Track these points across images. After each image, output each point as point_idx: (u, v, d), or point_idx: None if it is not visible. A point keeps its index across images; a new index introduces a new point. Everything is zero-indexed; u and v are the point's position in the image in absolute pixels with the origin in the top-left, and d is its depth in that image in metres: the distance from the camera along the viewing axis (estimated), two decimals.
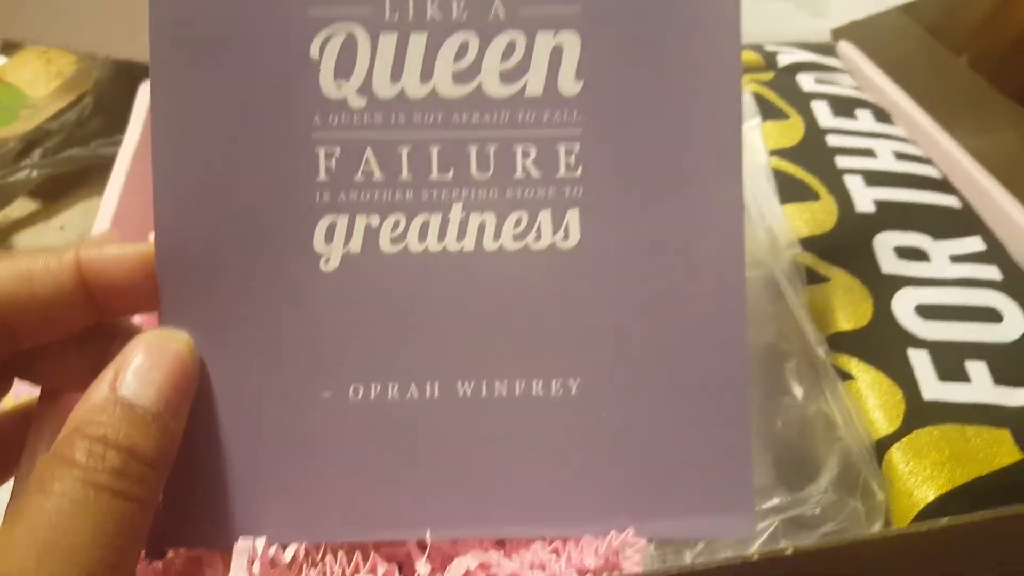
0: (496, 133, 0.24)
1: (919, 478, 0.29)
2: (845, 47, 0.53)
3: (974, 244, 0.37)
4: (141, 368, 0.21)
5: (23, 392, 0.26)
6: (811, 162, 0.40)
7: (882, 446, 0.31)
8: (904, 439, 0.30)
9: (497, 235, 0.24)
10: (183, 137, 0.23)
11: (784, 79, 0.47)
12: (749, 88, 0.46)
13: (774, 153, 0.41)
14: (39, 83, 0.61)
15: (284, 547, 0.24)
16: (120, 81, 0.58)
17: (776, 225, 0.37)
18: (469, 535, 0.25)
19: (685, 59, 0.24)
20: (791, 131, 0.43)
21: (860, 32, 0.54)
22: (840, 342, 0.34)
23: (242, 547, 0.23)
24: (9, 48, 0.63)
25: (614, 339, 0.24)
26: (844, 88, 0.47)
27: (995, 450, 0.29)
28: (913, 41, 0.73)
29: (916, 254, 0.36)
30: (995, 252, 0.37)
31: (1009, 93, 0.67)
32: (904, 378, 0.32)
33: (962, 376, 0.32)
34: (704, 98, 0.24)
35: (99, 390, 0.21)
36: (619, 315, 0.24)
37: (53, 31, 0.45)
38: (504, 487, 0.24)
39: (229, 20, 0.23)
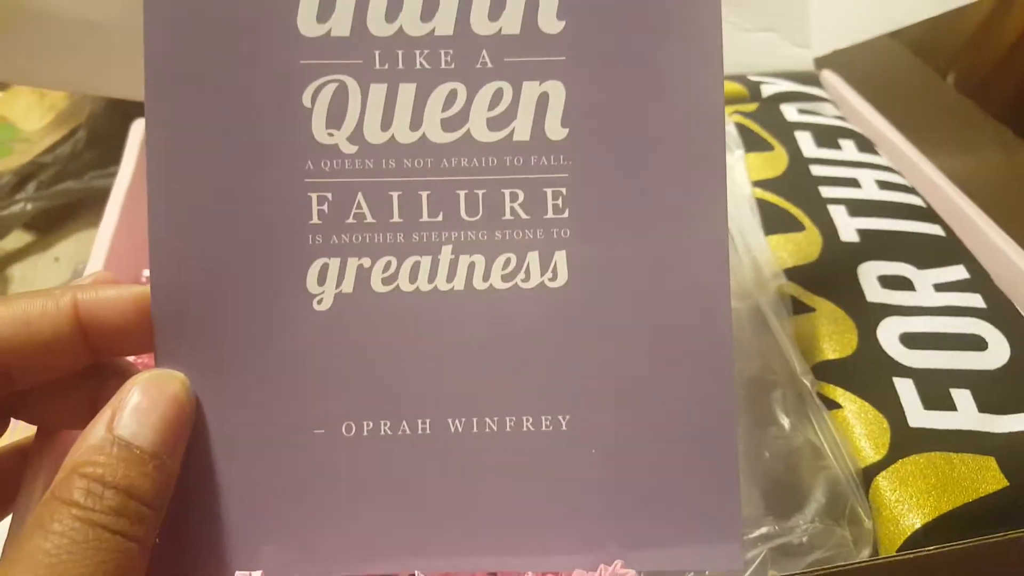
0: (485, 177, 0.24)
1: (906, 506, 0.30)
2: (829, 76, 0.54)
3: (958, 272, 0.37)
4: (138, 409, 0.22)
5: (19, 427, 0.26)
6: (795, 193, 0.41)
7: (869, 474, 0.31)
8: (890, 467, 0.31)
9: (486, 275, 0.25)
10: (178, 181, 0.24)
11: (768, 110, 0.48)
12: (733, 119, 0.46)
13: (758, 184, 0.42)
14: (33, 117, 0.61)
15: None
16: (113, 114, 0.58)
17: (761, 256, 0.38)
18: (461, 568, 0.25)
19: (668, 99, 0.25)
20: (775, 162, 0.43)
21: (844, 58, 0.55)
22: (826, 372, 0.34)
23: None
24: (2, 83, 0.63)
25: (603, 375, 0.25)
26: (828, 118, 0.48)
27: (981, 477, 0.30)
28: (898, 63, 0.74)
29: (900, 283, 0.37)
30: (978, 280, 0.37)
31: (993, 112, 0.68)
32: (890, 406, 0.32)
33: (947, 404, 0.32)
34: (687, 136, 0.25)
35: (96, 431, 0.21)
36: (608, 351, 0.25)
37: (45, 73, 0.45)
38: (495, 520, 0.24)
39: (222, 68, 0.24)
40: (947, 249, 0.39)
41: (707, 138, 0.25)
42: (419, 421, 0.24)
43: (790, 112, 0.47)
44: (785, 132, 0.45)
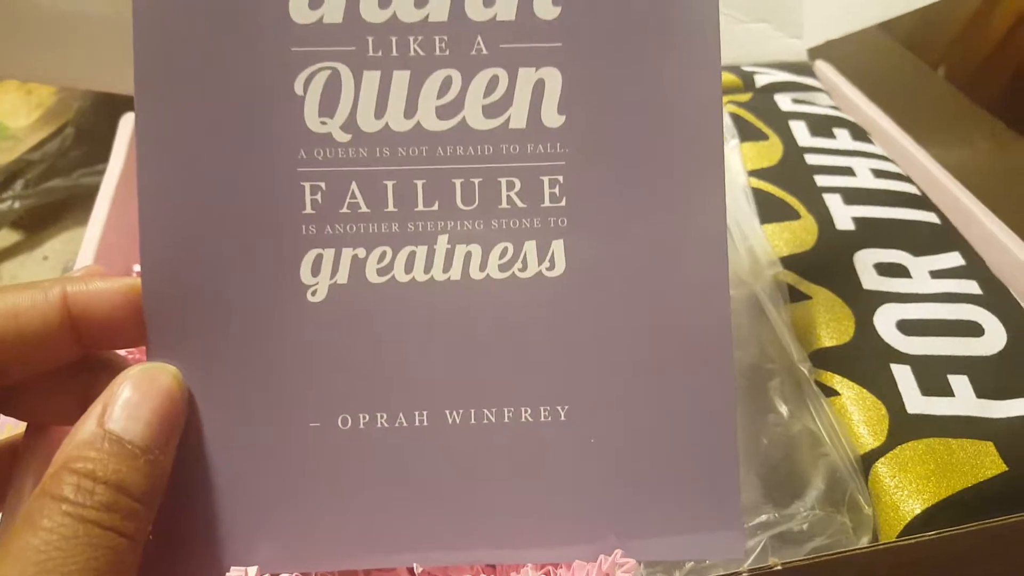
0: (480, 166, 0.24)
1: (905, 492, 0.29)
2: (822, 66, 0.54)
3: (953, 259, 0.37)
4: (129, 403, 0.21)
5: (8, 423, 0.26)
6: (790, 182, 0.41)
7: (868, 461, 0.31)
8: (889, 453, 0.30)
9: (483, 265, 0.24)
10: (169, 172, 0.24)
11: (762, 100, 0.48)
12: (727, 109, 0.46)
13: (753, 173, 0.42)
14: (20, 114, 0.60)
15: None
16: (102, 110, 0.58)
17: (757, 245, 0.37)
18: (460, 562, 0.25)
19: (665, 86, 0.24)
20: (770, 151, 0.43)
21: (837, 50, 0.55)
22: (823, 359, 0.34)
23: None
24: None
25: (602, 364, 0.24)
26: (822, 107, 0.48)
27: (980, 462, 0.30)
28: (890, 56, 0.74)
29: (896, 270, 0.37)
30: (974, 267, 0.37)
31: (984, 105, 0.68)
32: (888, 393, 0.32)
33: (945, 390, 0.32)
34: (685, 125, 0.24)
35: (87, 425, 0.21)
36: (606, 341, 0.24)
37: (32, 67, 0.45)
38: (494, 512, 0.24)
39: (213, 55, 0.23)
40: (942, 236, 0.39)
41: (705, 125, 0.24)
42: (416, 413, 0.24)
43: (784, 102, 0.47)
44: (779, 122, 0.45)
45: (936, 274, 0.37)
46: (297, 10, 0.24)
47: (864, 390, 0.32)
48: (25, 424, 0.26)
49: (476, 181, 0.24)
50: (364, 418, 0.24)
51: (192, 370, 0.23)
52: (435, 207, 0.24)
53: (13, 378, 0.23)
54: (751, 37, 0.54)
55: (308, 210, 0.24)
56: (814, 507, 0.29)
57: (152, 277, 0.23)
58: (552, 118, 0.24)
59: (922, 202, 0.41)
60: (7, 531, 0.19)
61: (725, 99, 0.48)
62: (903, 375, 0.33)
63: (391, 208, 0.24)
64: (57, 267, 0.54)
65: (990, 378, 0.33)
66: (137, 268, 0.41)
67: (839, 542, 0.29)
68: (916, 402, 0.32)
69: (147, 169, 0.24)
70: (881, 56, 0.74)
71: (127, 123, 0.48)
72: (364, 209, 0.24)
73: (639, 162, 0.24)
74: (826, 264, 0.37)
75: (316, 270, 0.24)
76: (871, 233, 0.38)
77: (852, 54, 0.56)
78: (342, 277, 0.24)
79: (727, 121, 0.45)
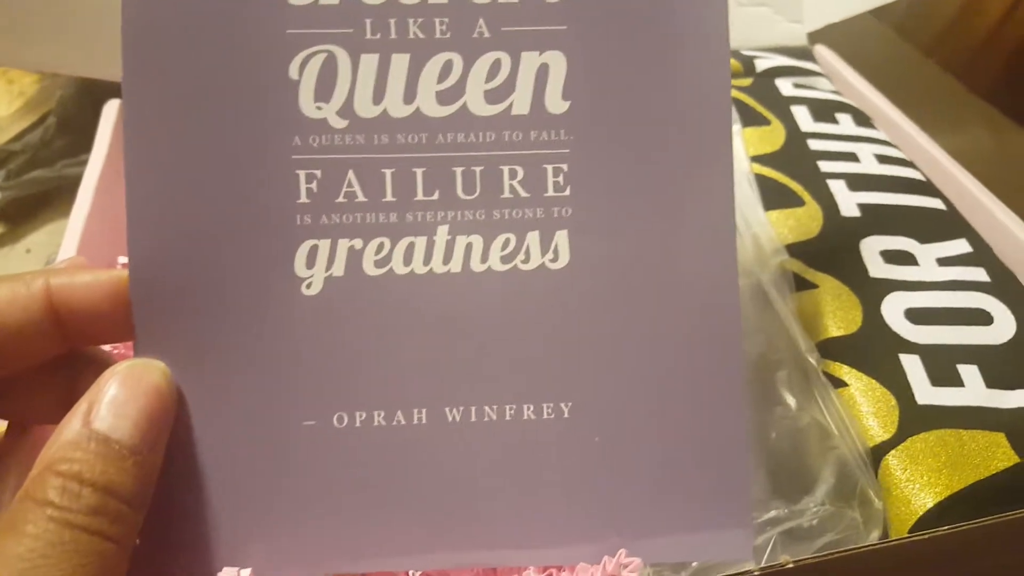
0: (482, 153, 0.24)
1: (917, 485, 0.29)
2: (822, 51, 0.54)
3: (960, 246, 0.37)
4: (116, 401, 0.21)
5: None
6: (794, 168, 0.40)
7: (878, 453, 0.30)
8: (900, 446, 0.30)
9: (485, 257, 0.24)
10: (157, 160, 0.23)
11: (763, 84, 0.47)
12: None
13: (756, 159, 0.41)
14: (0, 103, 0.59)
15: None
16: (84, 99, 0.56)
17: (761, 232, 0.37)
18: (460, 564, 0.24)
19: (673, 74, 0.24)
20: (772, 136, 0.42)
21: (835, 36, 0.55)
22: (831, 349, 0.33)
23: None
24: None
25: (606, 360, 0.24)
26: (823, 92, 0.47)
27: (992, 454, 0.29)
28: (884, 43, 0.74)
29: (903, 258, 0.36)
30: (981, 254, 0.37)
31: (978, 93, 0.68)
32: (897, 384, 0.32)
33: (955, 380, 0.32)
34: (693, 113, 0.24)
35: (72, 424, 0.20)
36: (611, 335, 0.24)
37: (13, 51, 0.43)
38: (495, 513, 0.24)
39: (204, 38, 0.23)
40: (949, 223, 0.38)
41: (714, 110, 0.24)
42: (415, 411, 0.23)
43: (785, 86, 0.46)
44: (781, 106, 0.44)
45: (943, 261, 0.36)
46: None
47: (873, 381, 0.32)
48: (5, 423, 0.25)
49: (477, 169, 0.23)
50: (360, 416, 0.23)
51: (181, 366, 0.23)
52: (435, 196, 0.23)
53: None
54: (751, 21, 0.53)
55: (303, 199, 0.23)
56: (824, 502, 0.29)
57: (139, 269, 0.23)
58: (556, 104, 0.24)
59: (927, 188, 0.40)
60: None
61: None
62: (912, 365, 0.32)
63: (389, 197, 0.23)
64: (40, 260, 0.53)
65: (1000, 368, 0.32)
66: (122, 260, 0.40)
67: (850, 537, 0.28)
68: (926, 393, 0.31)
69: (135, 157, 0.23)
70: (875, 42, 0.74)
71: (110, 111, 0.47)
72: (361, 198, 0.23)
73: (646, 149, 0.24)
74: (832, 252, 0.36)
75: (311, 262, 0.23)
76: (877, 220, 0.38)
77: (849, 42, 0.55)
78: (338, 269, 0.23)
79: None
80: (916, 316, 0.34)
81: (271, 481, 0.23)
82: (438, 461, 0.23)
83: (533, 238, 0.24)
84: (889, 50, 0.74)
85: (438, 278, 0.23)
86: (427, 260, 0.23)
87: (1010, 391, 0.31)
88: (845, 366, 0.33)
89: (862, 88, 0.49)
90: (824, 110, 0.44)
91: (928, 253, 0.36)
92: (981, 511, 0.26)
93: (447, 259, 0.23)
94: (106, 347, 0.27)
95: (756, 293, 0.34)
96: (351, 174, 0.23)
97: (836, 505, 0.29)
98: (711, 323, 0.24)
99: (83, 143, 0.49)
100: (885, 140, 0.43)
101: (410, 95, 0.23)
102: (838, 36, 0.54)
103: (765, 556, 0.27)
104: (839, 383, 0.32)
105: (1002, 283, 0.35)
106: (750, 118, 0.44)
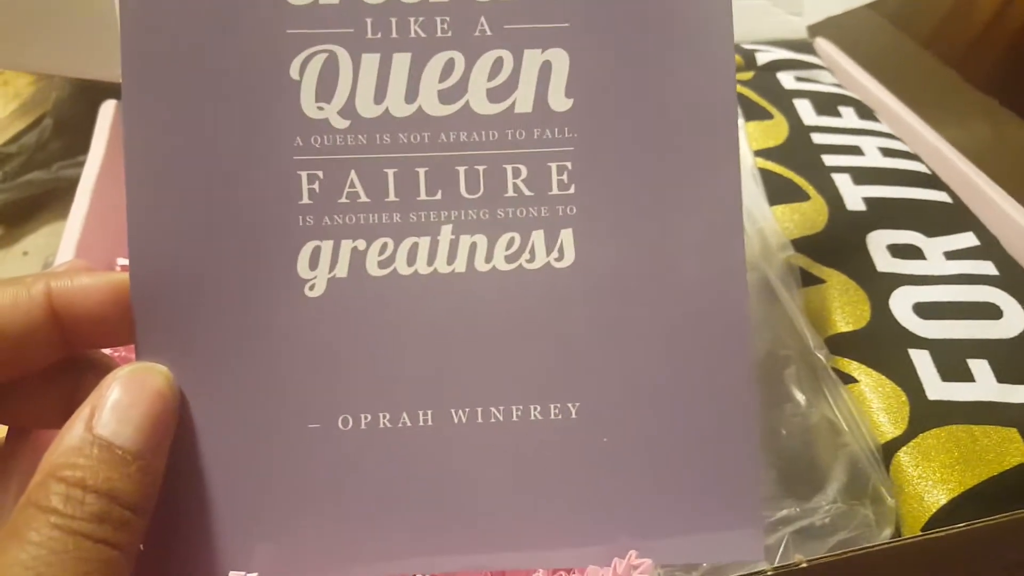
0: (485, 152, 0.23)
1: (929, 482, 0.29)
2: (823, 44, 0.53)
3: (967, 240, 0.37)
4: (119, 405, 0.20)
5: None
6: (798, 162, 0.40)
7: (889, 450, 0.30)
8: (912, 442, 0.30)
9: (489, 256, 0.23)
10: (158, 162, 0.22)
11: (764, 78, 0.47)
12: None
13: (759, 153, 0.41)
14: None
15: None
16: (80, 101, 0.56)
17: (767, 227, 0.36)
18: (467, 567, 0.24)
19: (677, 70, 0.24)
20: (775, 131, 0.42)
21: (835, 29, 0.54)
22: (839, 344, 0.33)
23: None
24: None
25: (614, 359, 0.24)
26: (825, 85, 0.47)
27: (1004, 449, 0.29)
28: (881, 35, 0.74)
29: (910, 252, 0.36)
30: (989, 247, 0.36)
31: (976, 85, 0.67)
32: (907, 379, 0.31)
33: (965, 375, 0.31)
34: (698, 107, 0.24)
35: (75, 430, 0.20)
36: (618, 334, 0.24)
37: (8, 52, 0.43)
38: (502, 516, 0.23)
39: (204, 39, 0.22)
40: (955, 216, 0.38)
41: (720, 107, 0.24)
42: (420, 412, 0.23)
43: (787, 80, 0.46)
44: (784, 100, 0.44)
45: (951, 255, 0.36)
46: None
47: (883, 376, 0.32)
48: (5, 428, 0.25)
49: (480, 168, 0.23)
50: (366, 418, 0.23)
51: (184, 370, 0.22)
52: (438, 196, 0.23)
53: None
54: (750, 14, 0.53)
55: (305, 200, 0.23)
56: (836, 500, 0.29)
57: (140, 272, 0.22)
58: (559, 102, 0.23)
59: (932, 181, 0.40)
60: None
61: None
62: (922, 360, 0.32)
63: (392, 197, 0.23)
64: (38, 263, 0.53)
65: (1010, 362, 0.32)
66: (121, 262, 0.40)
67: (862, 535, 0.28)
68: (936, 388, 0.31)
69: (135, 158, 0.22)
70: (873, 35, 0.73)
71: (107, 112, 0.46)
72: (364, 199, 0.23)
73: (651, 147, 0.24)
74: (838, 246, 0.36)
75: (314, 263, 0.23)
76: (883, 213, 0.37)
77: (849, 35, 0.55)
78: (341, 270, 0.23)
79: None
80: (925, 310, 0.33)
81: (276, 484, 0.23)
82: (444, 463, 0.23)
83: (538, 237, 0.23)
84: (887, 42, 0.73)
85: (442, 278, 0.23)
86: (431, 260, 0.23)
87: (1021, 385, 0.31)
88: (854, 362, 0.32)
89: (864, 81, 0.48)
90: (827, 103, 0.44)
91: (935, 247, 0.36)
92: (995, 507, 0.26)
93: (451, 259, 0.23)
94: (107, 351, 0.27)
95: (763, 288, 0.34)
96: (353, 174, 0.23)
97: (848, 503, 0.29)
98: (720, 321, 0.24)
99: (80, 144, 0.49)
100: (889, 133, 0.43)
101: (412, 94, 0.23)
102: (837, 29, 0.54)
103: (778, 555, 0.27)
104: (848, 379, 0.32)
105: (1010, 276, 0.35)
106: (752, 112, 0.43)
